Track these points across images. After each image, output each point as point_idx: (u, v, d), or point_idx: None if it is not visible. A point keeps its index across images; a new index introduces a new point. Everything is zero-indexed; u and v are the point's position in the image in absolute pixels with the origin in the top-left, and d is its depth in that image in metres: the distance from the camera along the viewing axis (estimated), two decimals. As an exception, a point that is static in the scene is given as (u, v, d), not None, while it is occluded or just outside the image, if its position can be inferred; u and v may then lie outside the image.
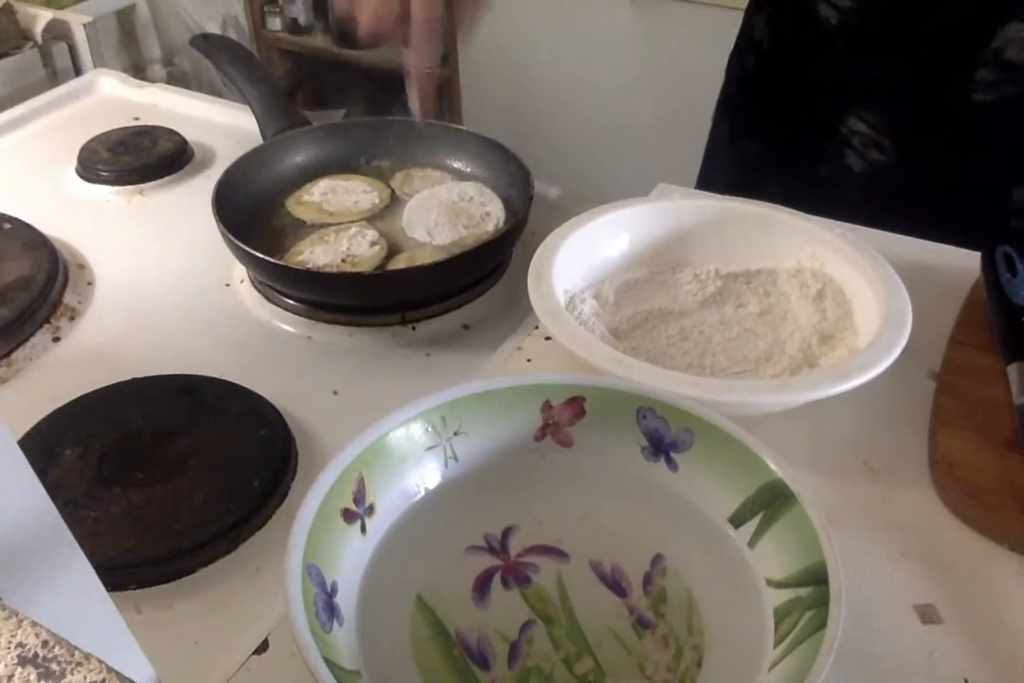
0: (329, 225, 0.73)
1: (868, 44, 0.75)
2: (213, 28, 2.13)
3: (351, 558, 0.42)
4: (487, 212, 0.73)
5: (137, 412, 0.57)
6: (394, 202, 0.77)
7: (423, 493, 0.46)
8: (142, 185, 0.83)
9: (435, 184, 0.78)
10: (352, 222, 0.73)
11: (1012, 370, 0.57)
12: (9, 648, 0.23)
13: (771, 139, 0.87)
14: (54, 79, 1.17)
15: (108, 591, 0.30)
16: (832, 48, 0.78)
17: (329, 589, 0.40)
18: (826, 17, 0.76)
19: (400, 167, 0.80)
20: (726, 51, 1.56)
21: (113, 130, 0.89)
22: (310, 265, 0.67)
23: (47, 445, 0.55)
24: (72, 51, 1.19)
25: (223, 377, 0.60)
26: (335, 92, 2.31)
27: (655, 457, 0.47)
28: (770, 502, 0.43)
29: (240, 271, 0.73)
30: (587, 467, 0.48)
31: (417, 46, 0.63)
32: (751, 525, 0.44)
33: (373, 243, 0.70)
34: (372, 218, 0.75)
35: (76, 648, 0.23)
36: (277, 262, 0.64)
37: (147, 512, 0.51)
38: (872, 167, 0.79)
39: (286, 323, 0.68)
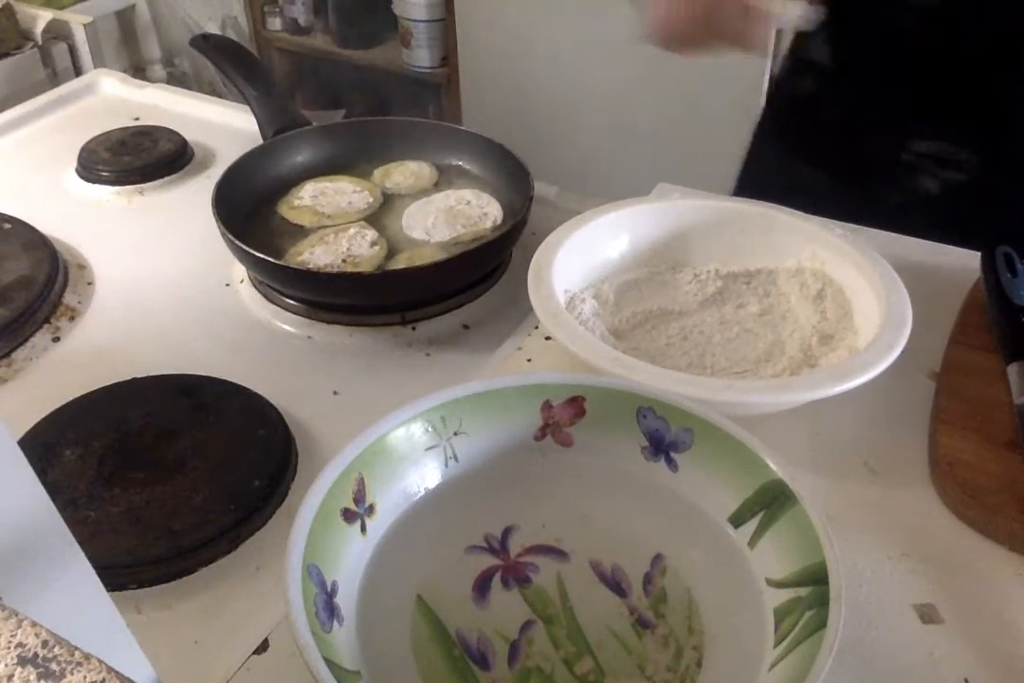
0: (328, 227, 0.73)
1: (948, 46, 0.72)
2: (213, 28, 2.13)
3: (351, 558, 0.42)
4: (485, 213, 0.73)
5: (137, 412, 0.57)
6: (389, 200, 0.77)
7: (423, 493, 0.46)
8: (142, 185, 0.83)
9: (414, 175, 0.78)
10: (351, 222, 0.73)
11: (1012, 370, 0.58)
12: (9, 648, 0.23)
13: (828, 163, 0.84)
14: (54, 79, 1.17)
15: (108, 591, 0.30)
16: (910, 56, 0.74)
17: (329, 589, 0.40)
18: (902, 25, 0.72)
19: (380, 163, 0.80)
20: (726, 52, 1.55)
21: (113, 130, 0.89)
22: (311, 265, 0.67)
23: (47, 445, 0.55)
24: (72, 51, 1.19)
25: (223, 377, 0.60)
26: (335, 92, 2.31)
27: (655, 457, 0.47)
28: (770, 502, 0.43)
29: (240, 271, 0.73)
30: (587, 467, 0.48)
31: None
32: (751, 525, 0.44)
33: (373, 243, 0.70)
34: (370, 218, 0.75)
35: (76, 648, 0.23)
36: (277, 262, 0.64)
37: (147, 512, 0.51)
38: (949, 186, 0.76)
39: (286, 323, 0.68)
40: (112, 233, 0.78)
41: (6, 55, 1.12)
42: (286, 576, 0.38)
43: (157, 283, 0.73)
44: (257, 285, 0.71)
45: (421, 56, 2.05)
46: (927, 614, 0.47)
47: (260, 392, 0.58)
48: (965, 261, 0.69)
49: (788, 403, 0.54)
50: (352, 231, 0.71)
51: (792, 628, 0.39)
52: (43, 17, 1.17)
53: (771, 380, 0.57)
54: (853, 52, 0.79)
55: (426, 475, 0.47)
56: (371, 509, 0.44)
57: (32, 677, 0.23)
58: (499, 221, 0.73)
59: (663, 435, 0.47)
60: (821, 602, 0.38)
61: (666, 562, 0.45)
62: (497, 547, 0.46)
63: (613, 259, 0.66)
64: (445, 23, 1.96)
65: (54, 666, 0.23)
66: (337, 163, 0.80)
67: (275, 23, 2.23)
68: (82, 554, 0.29)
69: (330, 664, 0.35)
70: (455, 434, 0.47)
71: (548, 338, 0.63)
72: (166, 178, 0.84)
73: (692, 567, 0.45)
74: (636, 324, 0.63)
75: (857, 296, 0.60)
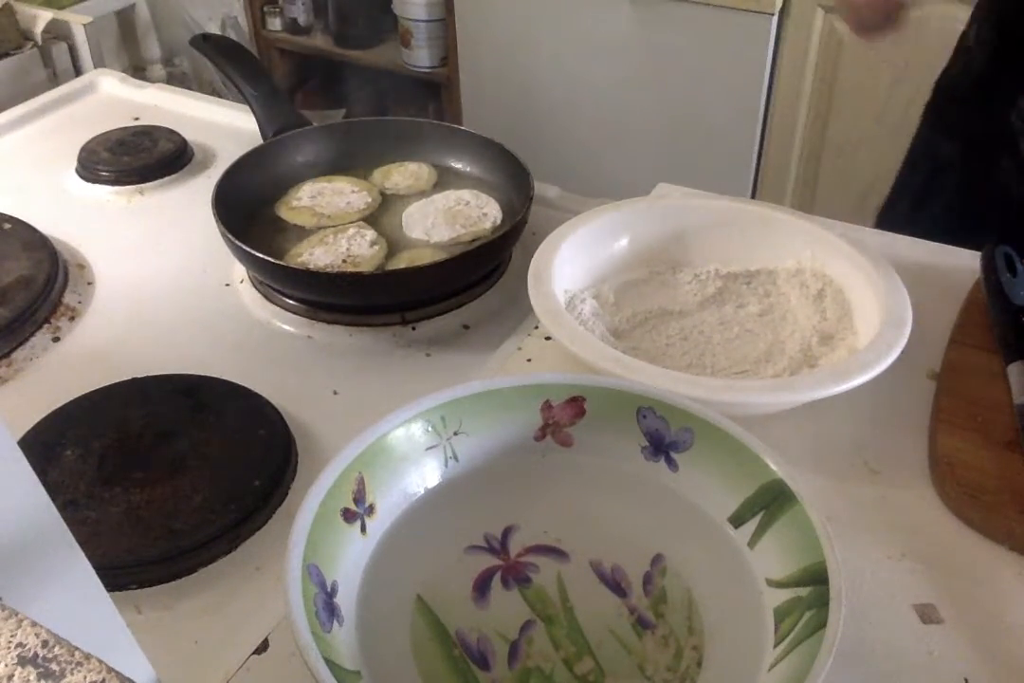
0: (327, 227, 0.73)
1: None
2: (213, 28, 2.13)
3: (351, 558, 0.42)
4: (484, 213, 0.73)
5: (137, 412, 0.57)
6: (387, 201, 0.77)
7: (423, 493, 0.46)
8: (142, 185, 0.83)
9: (413, 176, 0.78)
10: (350, 223, 0.73)
11: (1012, 370, 0.57)
12: (9, 648, 0.23)
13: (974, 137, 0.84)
14: (54, 79, 1.17)
15: (108, 591, 0.30)
16: None
17: (329, 589, 0.40)
18: None
19: (380, 164, 0.80)
20: (726, 51, 1.56)
21: (113, 130, 0.89)
22: (311, 266, 0.67)
23: (47, 445, 0.55)
24: (72, 51, 1.19)
25: (223, 377, 0.60)
26: (335, 92, 2.30)
27: (655, 457, 0.47)
28: (770, 502, 0.43)
29: (240, 271, 0.73)
30: (587, 467, 0.48)
31: None
32: (751, 525, 0.44)
33: (373, 243, 0.70)
34: (369, 218, 0.74)
35: (76, 648, 0.23)
36: (277, 262, 0.64)
37: (147, 512, 0.51)
38: None
39: (286, 323, 0.68)
40: (112, 233, 0.78)
41: (6, 55, 1.12)
42: (286, 576, 0.38)
43: (157, 283, 0.73)
44: (257, 285, 0.71)
45: (421, 56, 2.05)
46: (927, 614, 0.47)
47: (260, 392, 0.58)
48: (965, 261, 0.69)
49: (788, 403, 0.54)
50: (351, 231, 0.71)
51: (792, 628, 0.39)
52: (43, 17, 1.16)
53: (771, 380, 0.57)
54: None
55: (426, 475, 0.47)
56: (371, 509, 0.44)
57: (32, 677, 0.23)
58: (498, 221, 0.73)
59: (663, 435, 0.47)
60: (821, 602, 0.38)
61: (666, 562, 0.45)
62: (497, 547, 0.46)
63: (613, 259, 0.66)
64: (445, 23, 1.96)
65: (54, 666, 0.23)
66: (337, 163, 0.80)
67: (275, 23, 2.23)
68: (82, 554, 0.29)
69: (330, 664, 0.35)
70: (455, 434, 0.47)
71: (548, 338, 0.63)
72: (166, 178, 0.84)
73: (692, 567, 0.45)
74: (636, 324, 0.63)
75: (857, 296, 0.60)
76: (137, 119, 0.94)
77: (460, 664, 0.42)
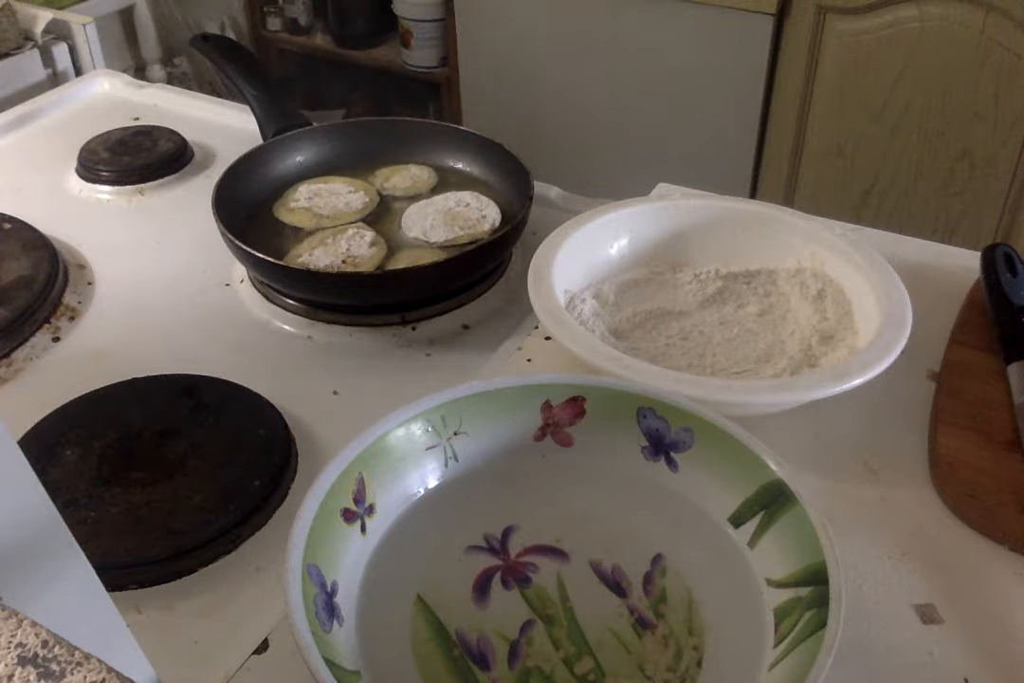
0: (327, 228, 0.73)
1: None
2: (213, 28, 2.13)
3: (351, 558, 0.42)
4: (483, 215, 0.73)
5: (137, 412, 0.57)
6: (385, 202, 0.77)
7: (423, 493, 0.46)
8: (142, 185, 0.83)
9: (412, 178, 0.78)
10: (349, 223, 0.73)
11: (1012, 370, 0.58)
12: (9, 648, 0.23)
13: None
14: (54, 79, 1.17)
15: (108, 591, 0.30)
16: None
17: (329, 589, 0.40)
18: None
19: (383, 165, 0.80)
20: (726, 51, 1.57)
21: (113, 130, 0.89)
22: (311, 266, 0.67)
23: (47, 445, 0.55)
24: (72, 51, 1.19)
25: (223, 377, 0.60)
26: (335, 92, 2.30)
27: (655, 457, 0.47)
28: (770, 502, 0.43)
29: (240, 271, 0.73)
30: (587, 467, 0.48)
31: None
32: (751, 525, 0.44)
33: (372, 244, 0.70)
34: (368, 219, 0.74)
35: (76, 648, 0.23)
36: (277, 262, 0.64)
37: (147, 512, 0.51)
38: None
39: (286, 323, 0.68)
40: (112, 233, 0.78)
41: (6, 55, 1.12)
42: (286, 576, 0.38)
43: (157, 283, 0.73)
44: (257, 285, 0.71)
45: (421, 56, 2.05)
46: (927, 614, 0.47)
47: (260, 392, 0.58)
48: (965, 261, 0.69)
49: (788, 403, 0.54)
50: (351, 232, 0.71)
51: (792, 628, 0.39)
52: (43, 17, 1.16)
53: (771, 380, 0.57)
54: None
55: (426, 475, 0.47)
56: (371, 509, 0.44)
57: (32, 677, 0.23)
58: (497, 224, 0.73)
59: (663, 435, 0.47)
60: (821, 602, 0.38)
61: (666, 562, 0.45)
62: (497, 547, 0.46)
63: (613, 259, 0.66)
64: (445, 23, 1.96)
65: (54, 666, 0.23)
66: (337, 164, 0.80)
67: (275, 23, 2.23)
68: (82, 554, 0.29)
69: (330, 664, 0.35)
70: (455, 434, 0.47)
71: (548, 338, 0.63)
72: (166, 178, 0.84)
73: (692, 567, 0.45)
74: (636, 324, 0.63)
75: (857, 296, 0.60)
76: (137, 119, 0.94)
77: (460, 664, 0.42)
